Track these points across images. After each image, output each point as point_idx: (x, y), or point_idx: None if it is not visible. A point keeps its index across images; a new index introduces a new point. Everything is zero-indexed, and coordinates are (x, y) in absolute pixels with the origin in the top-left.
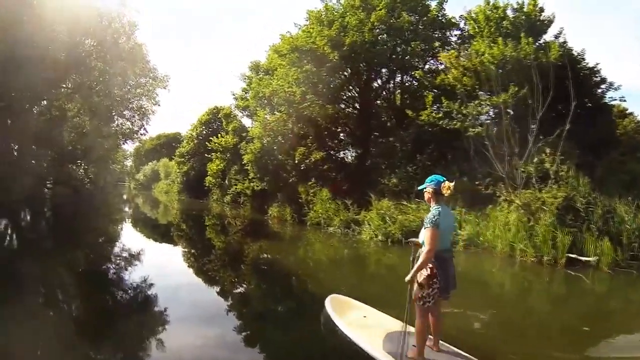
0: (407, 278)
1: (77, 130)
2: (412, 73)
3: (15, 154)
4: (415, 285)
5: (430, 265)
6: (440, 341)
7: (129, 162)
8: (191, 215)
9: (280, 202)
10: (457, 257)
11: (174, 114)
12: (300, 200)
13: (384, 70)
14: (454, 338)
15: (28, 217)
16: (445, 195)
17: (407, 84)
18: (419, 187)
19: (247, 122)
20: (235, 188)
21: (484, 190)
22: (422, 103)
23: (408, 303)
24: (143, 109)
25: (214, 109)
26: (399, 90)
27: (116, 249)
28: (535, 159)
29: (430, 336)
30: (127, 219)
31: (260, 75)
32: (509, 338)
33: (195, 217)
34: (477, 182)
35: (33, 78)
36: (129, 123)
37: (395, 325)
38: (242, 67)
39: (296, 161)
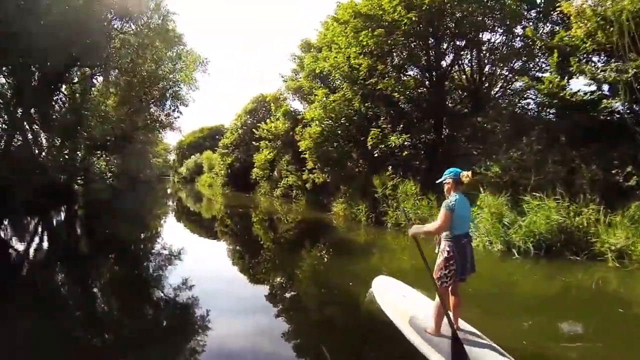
0: (411, 232)
1: (107, 120)
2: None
3: (44, 148)
4: (435, 267)
5: (448, 249)
6: (460, 320)
7: (172, 156)
8: (236, 211)
9: (346, 197)
10: (607, 274)
11: (216, 105)
12: (375, 195)
13: (460, 36)
14: None
15: (60, 216)
16: (465, 183)
17: (493, 49)
18: (438, 181)
19: (298, 106)
20: (287, 180)
21: (624, 182)
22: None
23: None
24: (178, 88)
25: (259, 96)
26: (477, 60)
27: (154, 249)
28: None
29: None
30: (166, 216)
31: (313, 52)
32: None
33: (241, 214)
34: (612, 172)
35: (49, 57)
36: (160, 112)
37: (428, 304)
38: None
39: (369, 146)
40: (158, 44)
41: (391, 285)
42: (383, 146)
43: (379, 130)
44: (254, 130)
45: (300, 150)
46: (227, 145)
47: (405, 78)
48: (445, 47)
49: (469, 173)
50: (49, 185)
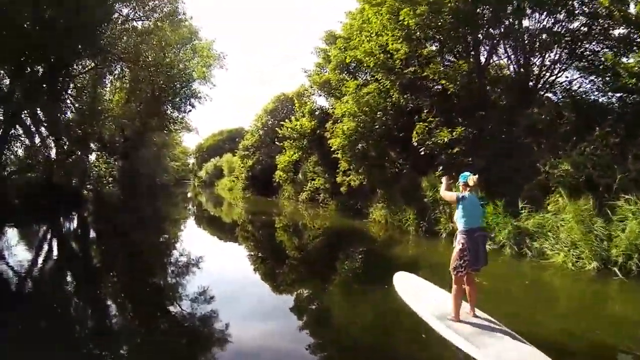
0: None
1: (120, 121)
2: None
3: (53, 151)
4: (452, 258)
5: (462, 241)
6: (476, 308)
7: (191, 160)
8: (258, 217)
9: (385, 202)
10: None
11: (216, 105)
12: (424, 200)
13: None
14: None
15: (71, 223)
16: (471, 185)
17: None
18: (457, 184)
19: (323, 102)
20: (314, 184)
21: None
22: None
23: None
24: (188, 76)
25: (281, 95)
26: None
27: (172, 257)
28: None
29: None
30: (184, 222)
31: (341, 41)
32: None
33: (264, 222)
34: None
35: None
36: (169, 106)
37: (444, 295)
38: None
39: (414, 143)
40: (166, 27)
41: (411, 281)
42: (430, 142)
43: (425, 124)
44: (277, 129)
45: (329, 149)
46: (247, 147)
47: (455, 61)
48: (484, 33)
49: (475, 177)
50: (49, 186)
